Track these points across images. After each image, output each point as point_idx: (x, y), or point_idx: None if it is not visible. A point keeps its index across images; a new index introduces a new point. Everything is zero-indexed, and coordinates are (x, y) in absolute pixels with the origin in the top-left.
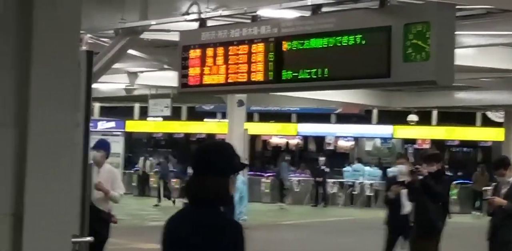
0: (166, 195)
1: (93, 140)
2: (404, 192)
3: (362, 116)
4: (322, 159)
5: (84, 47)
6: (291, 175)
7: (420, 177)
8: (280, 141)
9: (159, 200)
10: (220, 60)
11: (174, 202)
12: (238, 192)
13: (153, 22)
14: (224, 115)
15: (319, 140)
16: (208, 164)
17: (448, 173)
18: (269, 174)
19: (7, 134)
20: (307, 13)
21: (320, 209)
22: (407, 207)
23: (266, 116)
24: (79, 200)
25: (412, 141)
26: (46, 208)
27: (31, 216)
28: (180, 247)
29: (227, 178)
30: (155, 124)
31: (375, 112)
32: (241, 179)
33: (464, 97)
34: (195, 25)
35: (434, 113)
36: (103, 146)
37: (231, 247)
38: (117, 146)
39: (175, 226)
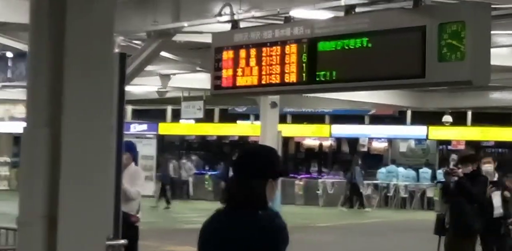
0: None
1: None
2: (497, 193)
3: (395, 117)
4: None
5: (117, 50)
6: (324, 176)
7: (456, 178)
8: (314, 143)
9: (168, 202)
10: (253, 61)
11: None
12: None
13: (185, 24)
14: (257, 117)
15: (353, 142)
16: (253, 167)
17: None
18: (302, 176)
19: (42, 137)
20: (341, 14)
21: (354, 211)
22: (498, 209)
23: (299, 118)
24: (112, 202)
25: (447, 142)
26: (80, 210)
27: (65, 218)
28: (220, 250)
29: (271, 181)
30: (187, 127)
31: (409, 113)
32: None
33: (499, 98)
34: (228, 26)
35: (469, 114)
36: (128, 147)
37: (275, 249)
38: (150, 148)
39: (214, 229)
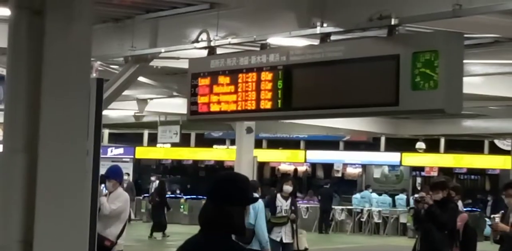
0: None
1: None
2: None
3: (370, 143)
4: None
5: (94, 75)
6: (299, 201)
7: (426, 206)
8: (289, 168)
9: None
10: (229, 88)
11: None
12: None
13: (162, 49)
14: (233, 142)
15: (327, 167)
16: (226, 193)
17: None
18: None
19: (18, 161)
20: (316, 42)
21: (328, 236)
22: None
23: (274, 143)
24: (87, 227)
25: (420, 169)
26: (56, 235)
27: (41, 242)
28: None
29: (242, 208)
30: (164, 151)
31: (383, 139)
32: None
33: (472, 125)
34: (204, 52)
35: (442, 141)
36: (113, 174)
37: None
38: (127, 172)
39: None
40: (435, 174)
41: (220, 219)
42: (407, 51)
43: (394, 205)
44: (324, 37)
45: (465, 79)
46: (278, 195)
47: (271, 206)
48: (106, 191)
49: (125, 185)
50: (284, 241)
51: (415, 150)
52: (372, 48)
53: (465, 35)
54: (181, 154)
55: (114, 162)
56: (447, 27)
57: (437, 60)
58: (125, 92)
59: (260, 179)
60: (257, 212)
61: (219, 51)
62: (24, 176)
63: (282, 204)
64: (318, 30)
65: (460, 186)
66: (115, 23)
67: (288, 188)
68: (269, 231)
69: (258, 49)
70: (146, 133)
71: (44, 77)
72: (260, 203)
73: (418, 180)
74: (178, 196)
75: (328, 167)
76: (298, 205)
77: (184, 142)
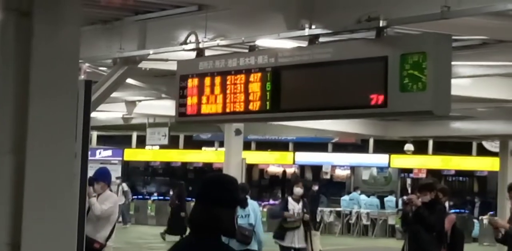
0: None
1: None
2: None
3: (358, 145)
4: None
5: (82, 76)
6: None
7: (414, 207)
8: (277, 170)
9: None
10: (217, 89)
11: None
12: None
13: (151, 51)
14: (221, 144)
15: (316, 169)
16: (214, 195)
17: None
18: (266, 203)
19: (6, 162)
20: (305, 43)
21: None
22: None
23: (263, 145)
24: (76, 229)
25: (409, 170)
26: (44, 238)
27: (29, 245)
28: None
29: (231, 210)
30: (152, 153)
31: (371, 141)
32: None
33: (460, 127)
34: (193, 54)
35: (430, 143)
36: (101, 176)
37: None
38: (115, 174)
39: None
40: (424, 175)
41: (210, 221)
42: (395, 53)
43: (382, 206)
44: (313, 39)
45: (453, 81)
46: (290, 198)
47: (283, 210)
48: (95, 193)
49: (121, 189)
50: (296, 246)
51: (403, 152)
52: (361, 50)
53: (453, 37)
54: (170, 156)
55: (102, 164)
56: (435, 29)
57: (425, 62)
58: (114, 94)
59: (249, 181)
60: (256, 212)
61: (207, 53)
62: (12, 178)
63: (295, 207)
64: (306, 32)
65: (447, 187)
66: (103, 25)
67: (298, 190)
68: (282, 237)
69: (246, 51)
70: (134, 135)
71: (32, 79)
72: (256, 204)
73: (408, 181)
74: (167, 198)
75: (316, 169)
76: None
77: (173, 144)
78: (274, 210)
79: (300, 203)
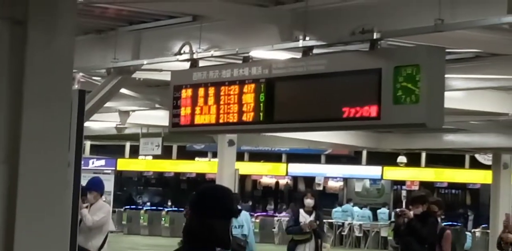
0: None
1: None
2: None
3: (351, 157)
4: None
5: (76, 86)
6: (281, 214)
7: (406, 220)
8: (270, 181)
9: None
10: (211, 100)
11: None
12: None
13: (145, 61)
14: (214, 155)
15: (309, 180)
16: (209, 206)
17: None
18: (258, 214)
19: None
20: (298, 55)
21: None
22: None
23: (256, 156)
24: (68, 238)
25: (401, 182)
26: (36, 247)
27: None
28: None
29: (227, 221)
30: (146, 163)
31: (364, 153)
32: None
33: (453, 140)
34: (187, 65)
35: (423, 155)
36: (94, 186)
37: None
38: (108, 184)
39: None
40: (416, 188)
41: (205, 232)
42: (389, 65)
43: (375, 218)
44: (307, 50)
45: (446, 93)
46: (301, 211)
47: (295, 223)
48: (87, 203)
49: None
50: None
51: (396, 164)
52: (354, 62)
53: (447, 50)
54: (163, 166)
55: (95, 174)
56: (429, 41)
57: (419, 74)
58: (107, 104)
59: (242, 192)
60: (249, 223)
61: (201, 63)
62: (5, 187)
63: (306, 219)
64: (300, 43)
65: (442, 200)
66: (97, 35)
67: (309, 201)
68: (293, 250)
69: (240, 62)
70: (128, 145)
71: (25, 88)
72: (248, 215)
73: (404, 193)
74: (159, 208)
75: (309, 180)
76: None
77: (166, 154)
78: (290, 229)
79: (312, 215)
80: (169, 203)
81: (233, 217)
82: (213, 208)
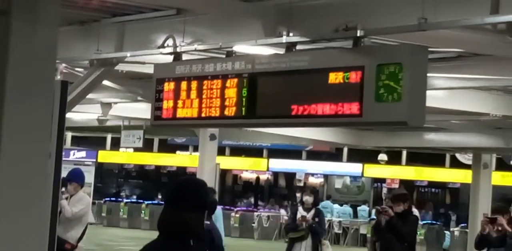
0: None
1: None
2: None
3: (332, 154)
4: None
5: (58, 77)
6: (260, 210)
7: (387, 217)
8: (251, 176)
9: None
10: (193, 94)
11: None
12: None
13: (128, 54)
14: (196, 149)
15: (290, 176)
16: (184, 199)
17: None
18: (238, 209)
19: None
20: (282, 51)
21: None
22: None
23: (237, 151)
24: (47, 230)
25: (382, 180)
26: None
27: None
28: None
29: (201, 213)
30: (127, 155)
31: (345, 150)
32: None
33: (434, 139)
34: (170, 58)
35: (404, 153)
36: (74, 177)
37: None
38: (88, 175)
39: None
40: (396, 186)
41: (179, 225)
42: (371, 63)
43: (355, 215)
44: (290, 46)
45: (428, 92)
46: (300, 208)
47: (294, 222)
48: (67, 194)
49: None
50: None
51: (377, 162)
52: (337, 59)
53: (430, 49)
54: (144, 159)
55: (76, 165)
56: (412, 40)
57: (401, 73)
58: (89, 96)
59: (222, 186)
60: (217, 217)
61: (184, 57)
62: None
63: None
64: (284, 39)
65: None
66: (81, 26)
67: (308, 198)
68: (290, 249)
69: (223, 56)
70: (109, 136)
71: (8, 79)
72: (219, 208)
73: (384, 190)
74: (139, 201)
75: (290, 176)
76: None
77: (147, 147)
78: (287, 227)
79: (311, 212)
80: (159, 196)
81: (206, 209)
82: (187, 201)
